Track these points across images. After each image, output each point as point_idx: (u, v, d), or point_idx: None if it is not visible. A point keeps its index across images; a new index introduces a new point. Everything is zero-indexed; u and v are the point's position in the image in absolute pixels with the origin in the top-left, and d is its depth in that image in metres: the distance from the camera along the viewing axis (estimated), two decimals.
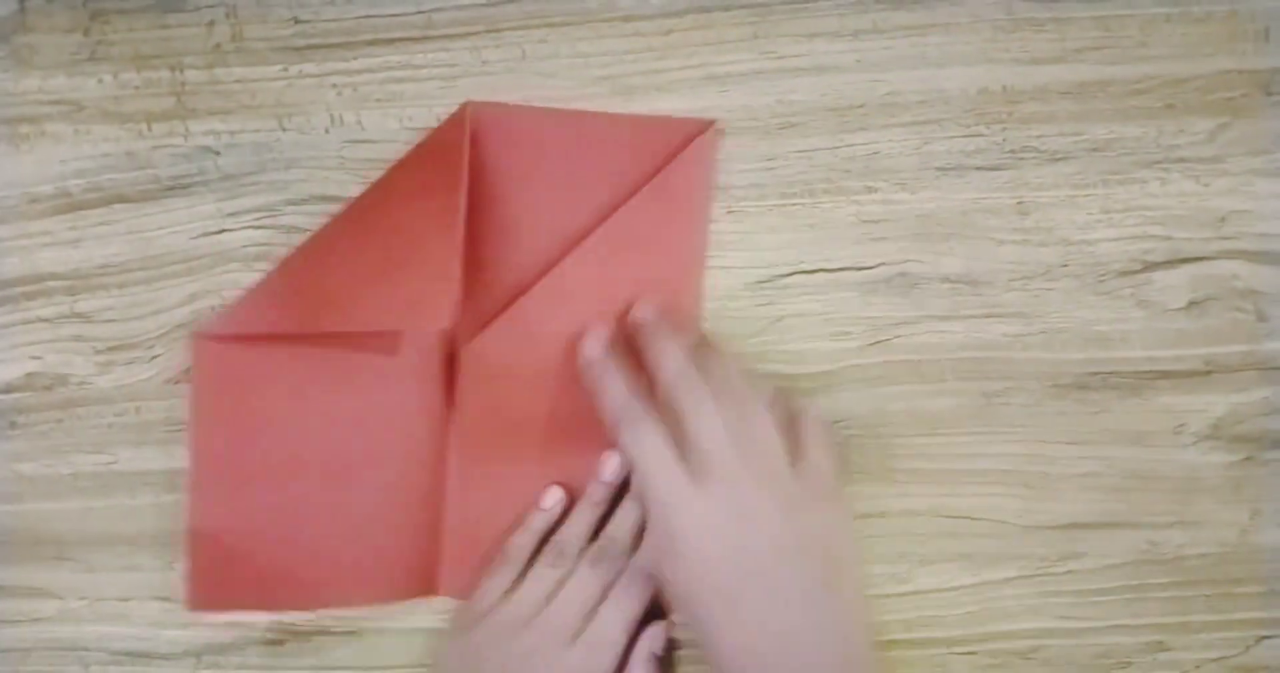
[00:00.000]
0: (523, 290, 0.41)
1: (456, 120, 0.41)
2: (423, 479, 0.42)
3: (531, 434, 0.42)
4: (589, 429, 0.41)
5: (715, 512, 0.36)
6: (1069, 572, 0.43)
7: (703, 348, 0.40)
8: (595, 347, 0.41)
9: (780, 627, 0.36)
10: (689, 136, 0.41)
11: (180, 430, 0.43)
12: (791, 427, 0.39)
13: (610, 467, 0.41)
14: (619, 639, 0.40)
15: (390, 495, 0.42)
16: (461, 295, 0.41)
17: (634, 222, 0.41)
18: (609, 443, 0.40)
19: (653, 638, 0.41)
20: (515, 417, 0.42)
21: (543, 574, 0.41)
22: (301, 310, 0.40)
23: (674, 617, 0.41)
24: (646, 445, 0.37)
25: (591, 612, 0.40)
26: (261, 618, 0.43)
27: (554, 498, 0.42)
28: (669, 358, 0.39)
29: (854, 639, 0.37)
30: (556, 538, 0.41)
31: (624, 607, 0.40)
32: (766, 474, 0.37)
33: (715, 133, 0.41)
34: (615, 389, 0.39)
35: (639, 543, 0.40)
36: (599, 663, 0.39)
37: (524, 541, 0.42)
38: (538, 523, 0.42)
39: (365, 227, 0.41)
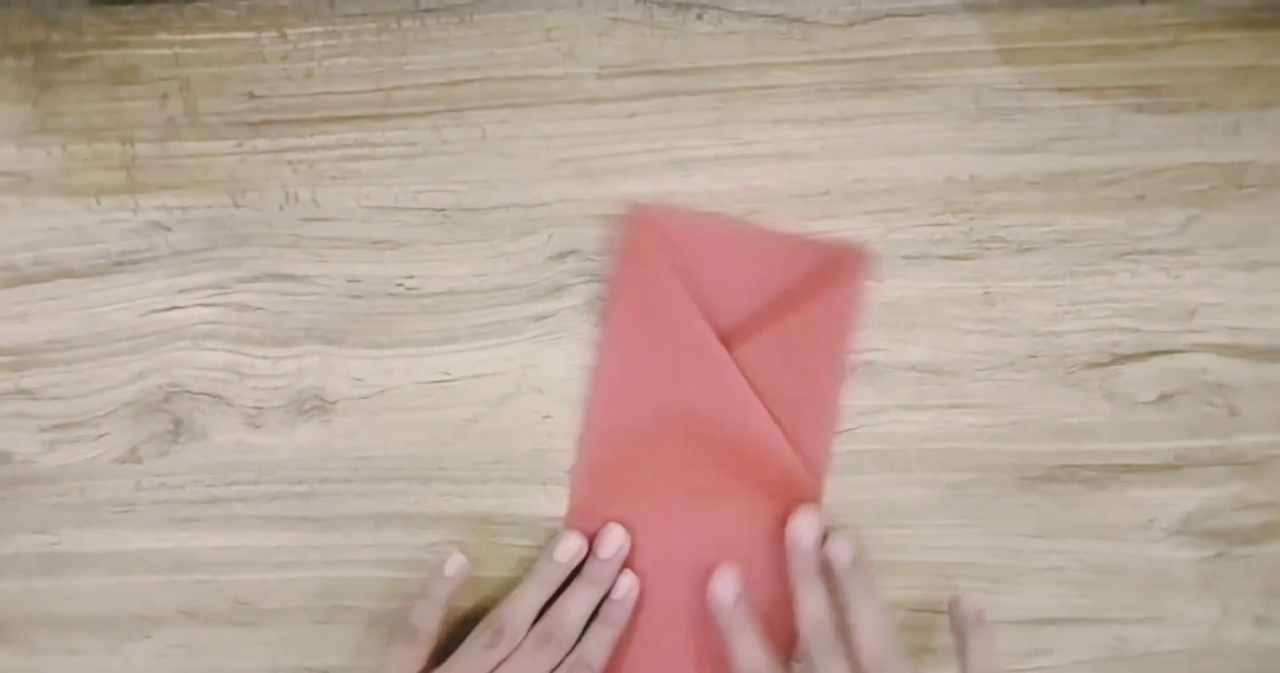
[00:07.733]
0: None
1: (636, 229, 0.41)
2: None
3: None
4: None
5: None
6: (1037, 668, 0.42)
7: (854, 576, 0.39)
8: (727, 592, 0.40)
9: None
10: (840, 261, 0.40)
11: (125, 512, 0.42)
12: None
13: (562, 548, 0.40)
14: None
15: None
16: None
17: (779, 346, 0.40)
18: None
19: None
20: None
21: (478, 655, 0.39)
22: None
23: None
24: None
25: None
26: None
27: (456, 565, 0.40)
28: (809, 610, 0.39)
29: None
30: (497, 615, 0.39)
31: None
32: None
33: (865, 259, 0.41)
34: (749, 648, 0.39)
35: (585, 628, 0.39)
36: None
37: (427, 610, 0.40)
38: (439, 592, 0.40)
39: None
